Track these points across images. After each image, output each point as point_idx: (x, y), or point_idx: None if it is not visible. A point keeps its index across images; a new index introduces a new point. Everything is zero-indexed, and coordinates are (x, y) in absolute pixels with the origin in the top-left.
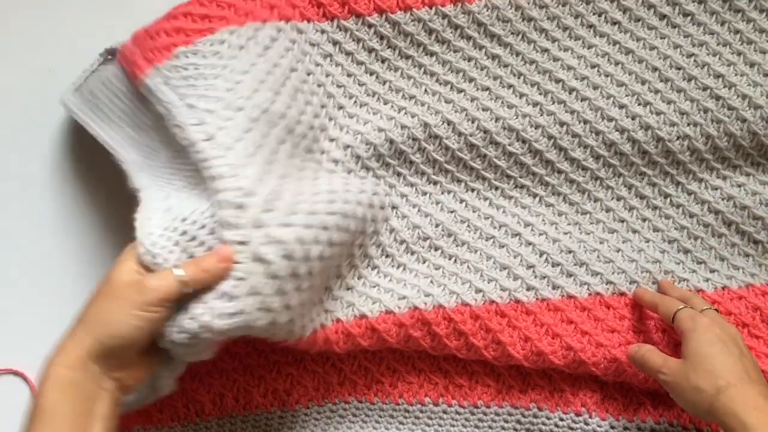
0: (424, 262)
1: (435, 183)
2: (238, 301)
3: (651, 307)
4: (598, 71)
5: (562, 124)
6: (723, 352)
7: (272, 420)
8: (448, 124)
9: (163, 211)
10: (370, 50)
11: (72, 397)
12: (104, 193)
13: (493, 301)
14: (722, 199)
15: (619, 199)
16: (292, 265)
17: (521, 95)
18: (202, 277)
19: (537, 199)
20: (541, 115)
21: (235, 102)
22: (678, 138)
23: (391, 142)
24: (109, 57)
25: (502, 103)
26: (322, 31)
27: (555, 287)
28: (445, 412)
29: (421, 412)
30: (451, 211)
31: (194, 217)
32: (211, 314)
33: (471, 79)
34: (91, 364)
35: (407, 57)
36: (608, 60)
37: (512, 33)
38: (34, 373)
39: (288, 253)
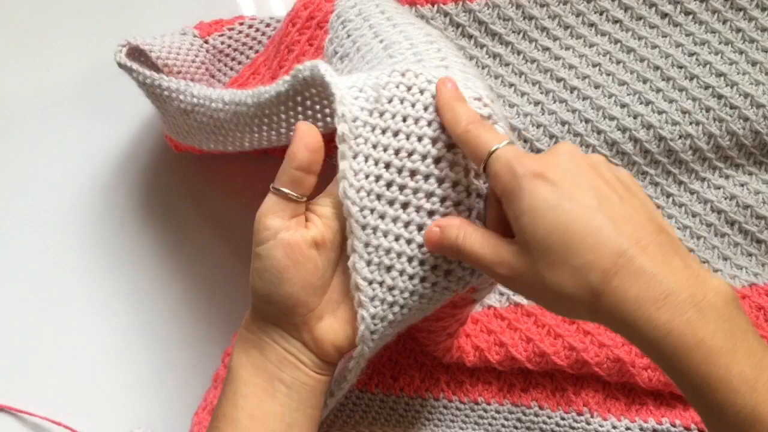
0: None
1: None
2: None
3: (451, 125)
4: (599, 70)
5: (563, 123)
6: (588, 210)
7: None
8: None
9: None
10: None
11: (246, 351)
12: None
13: (491, 306)
14: (725, 199)
15: None
16: None
17: (522, 94)
18: (297, 176)
19: None
20: (543, 114)
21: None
22: (680, 137)
23: None
24: None
25: (503, 102)
26: None
27: None
28: (445, 407)
29: (422, 406)
30: None
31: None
32: None
33: None
34: (257, 319)
35: None
36: (610, 59)
37: (513, 32)
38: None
39: None
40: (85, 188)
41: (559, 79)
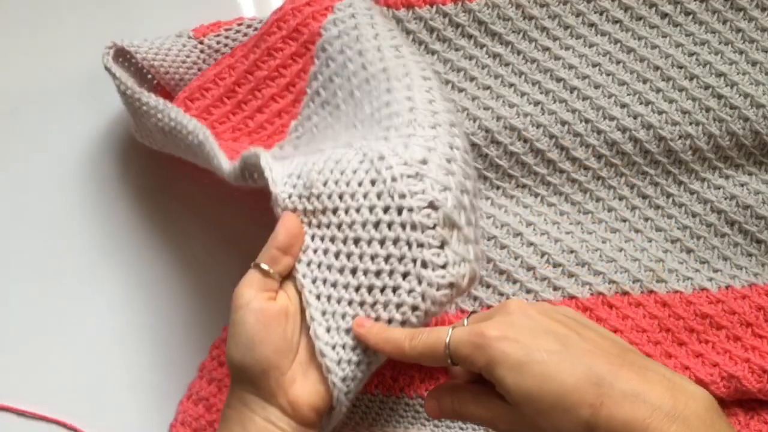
0: None
1: None
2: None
3: (397, 352)
4: (599, 70)
5: (563, 123)
6: (557, 355)
7: None
8: None
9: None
10: None
11: (230, 429)
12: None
13: (490, 306)
14: (725, 199)
15: (621, 198)
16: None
17: (522, 94)
18: (276, 255)
19: (538, 198)
20: (543, 115)
21: None
22: (680, 137)
23: None
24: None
25: (503, 102)
26: None
27: (556, 288)
28: None
29: (421, 406)
30: None
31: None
32: (426, 283)
33: (472, 78)
34: (236, 391)
35: None
36: (609, 59)
37: (513, 31)
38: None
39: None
40: (84, 187)
41: (559, 79)
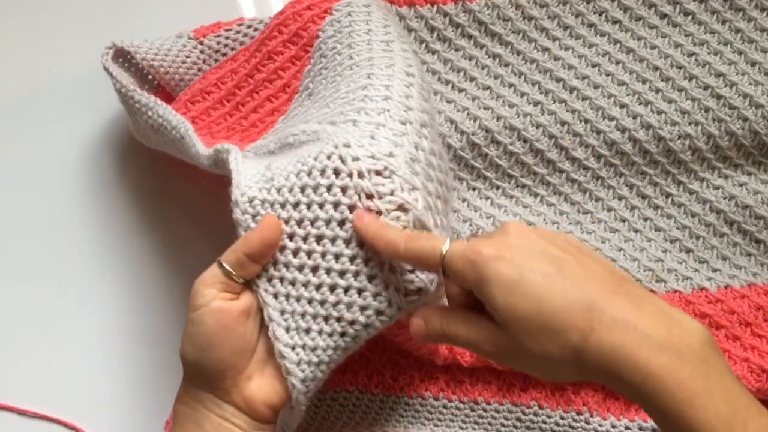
0: None
1: None
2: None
3: (390, 251)
4: (598, 70)
5: (563, 123)
6: (551, 277)
7: None
8: (451, 123)
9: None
10: None
11: (183, 427)
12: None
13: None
14: (724, 199)
15: (620, 198)
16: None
17: (522, 94)
18: (244, 262)
19: (538, 198)
20: (542, 115)
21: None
22: (679, 137)
23: None
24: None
25: (503, 102)
26: None
27: None
28: (445, 407)
29: (421, 405)
30: (453, 210)
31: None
32: (394, 288)
33: (472, 78)
34: (189, 389)
35: None
36: (609, 59)
37: (513, 32)
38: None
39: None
40: (84, 187)
41: (558, 80)
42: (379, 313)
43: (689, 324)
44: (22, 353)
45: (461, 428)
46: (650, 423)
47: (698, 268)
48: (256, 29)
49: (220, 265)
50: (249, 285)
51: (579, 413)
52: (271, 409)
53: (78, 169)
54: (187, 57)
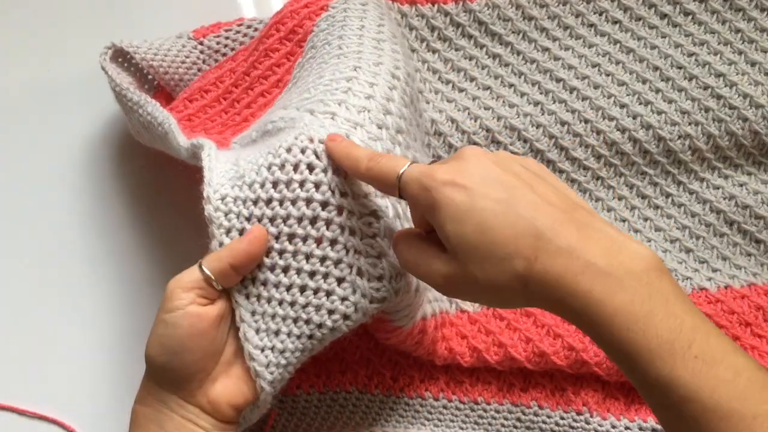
0: None
1: None
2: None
3: (353, 169)
4: (598, 70)
5: (563, 123)
6: (501, 205)
7: (272, 403)
8: (452, 122)
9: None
10: None
11: (145, 428)
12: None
13: (489, 307)
14: (724, 199)
15: (620, 198)
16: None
17: (522, 94)
18: (228, 272)
19: None
20: (542, 115)
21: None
22: (679, 137)
23: None
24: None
25: (504, 102)
26: None
27: None
28: (445, 407)
29: (421, 406)
30: None
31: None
32: (361, 293)
33: (472, 78)
34: (153, 390)
35: (411, 51)
36: (609, 59)
37: (513, 32)
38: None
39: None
40: (83, 187)
41: (558, 80)
42: (345, 317)
43: (635, 249)
44: (21, 353)
45: (461, 428)
46: (650, 423)
47: (698, 269)
48: (255, 29)
49: (202, 270)
50: (225, 290)
51: (579, 413)
52: (236, 410)
53: (76, 169)
54: (187, 57)
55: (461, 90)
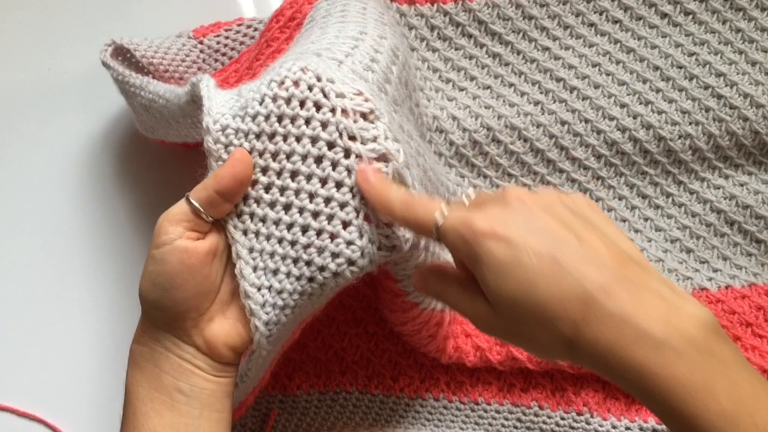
0: None
1: None
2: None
3: (385, 214)
4: (599, 70)
5: (563, 123)
6: (547, 261)
7: (272, 403)
8: (453, 119)
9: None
10: None
11: (140, 367)
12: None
13: None
14: (724, 199)
15: (620, 198)
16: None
17: (522, 94)
18: (215, 200)
19: None
20: (542, 114)
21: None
22: (679, 137)
23: None
24: None
25: (504, 101)
26: None
27: None
28: (445, 407)
29: (422, 406)
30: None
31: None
32: (368, 239)
33: (472, 78)
34: (148, 329)
35: (411, 50)
36: (609, 59)
37: (513, 31)
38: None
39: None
40: (84, 187)
41: (558, 79)
42: (350, 263)
43: (691, 312)
44: (19, 352)
45: (461, 429)
46: (650, 423)
47: (699, 269)
48: (255, 29)
49: (189, 202)
50: (216, 223)
51: (579, 414)
52: (233, 351)
53: (77, 169)
54: (187, 56)
55: (461, 89)
